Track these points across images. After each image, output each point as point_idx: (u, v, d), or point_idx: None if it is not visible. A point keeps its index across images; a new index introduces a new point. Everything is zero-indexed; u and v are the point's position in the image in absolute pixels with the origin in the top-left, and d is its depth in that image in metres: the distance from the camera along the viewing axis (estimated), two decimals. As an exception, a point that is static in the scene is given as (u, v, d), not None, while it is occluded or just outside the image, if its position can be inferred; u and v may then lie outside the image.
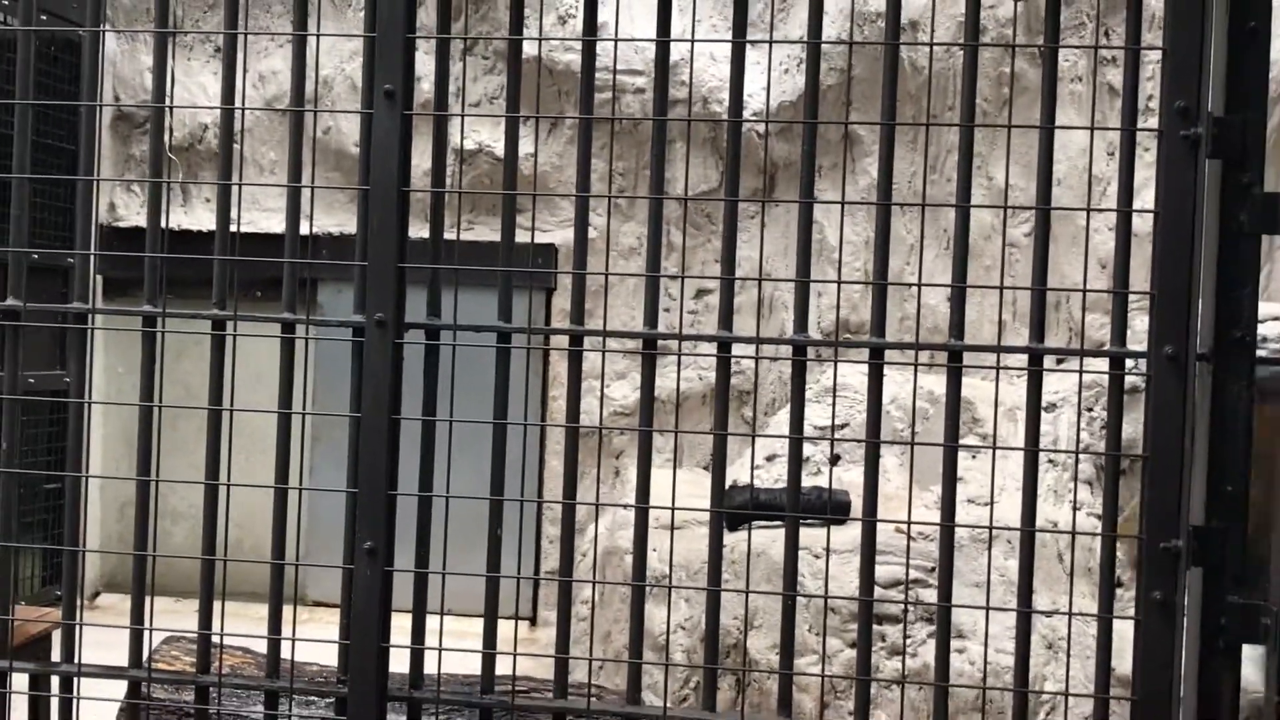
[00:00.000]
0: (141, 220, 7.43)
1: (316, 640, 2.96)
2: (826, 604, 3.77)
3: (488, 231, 6.43)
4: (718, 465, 2.85)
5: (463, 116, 2.82)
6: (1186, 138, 2.54)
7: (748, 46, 2.81)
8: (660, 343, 2.79)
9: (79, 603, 3.04)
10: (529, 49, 7.05)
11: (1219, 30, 2.52)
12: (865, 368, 2.86)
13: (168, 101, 2.94)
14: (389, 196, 2.73)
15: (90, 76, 2.97)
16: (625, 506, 5.20)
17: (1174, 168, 2.55)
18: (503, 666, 3.22)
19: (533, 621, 7.53)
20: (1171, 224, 2.56)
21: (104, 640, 3.01)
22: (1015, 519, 2.85)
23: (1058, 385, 5.88)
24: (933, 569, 5.46)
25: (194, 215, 7.25)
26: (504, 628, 2.90)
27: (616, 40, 2.91)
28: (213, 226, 3.02)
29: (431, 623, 2.86)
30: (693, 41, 2.76)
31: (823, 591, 5.22)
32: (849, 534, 4.65)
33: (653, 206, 2.80)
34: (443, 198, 2.87)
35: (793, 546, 2.91)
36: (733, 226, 2.80)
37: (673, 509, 2.68)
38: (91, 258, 3.16)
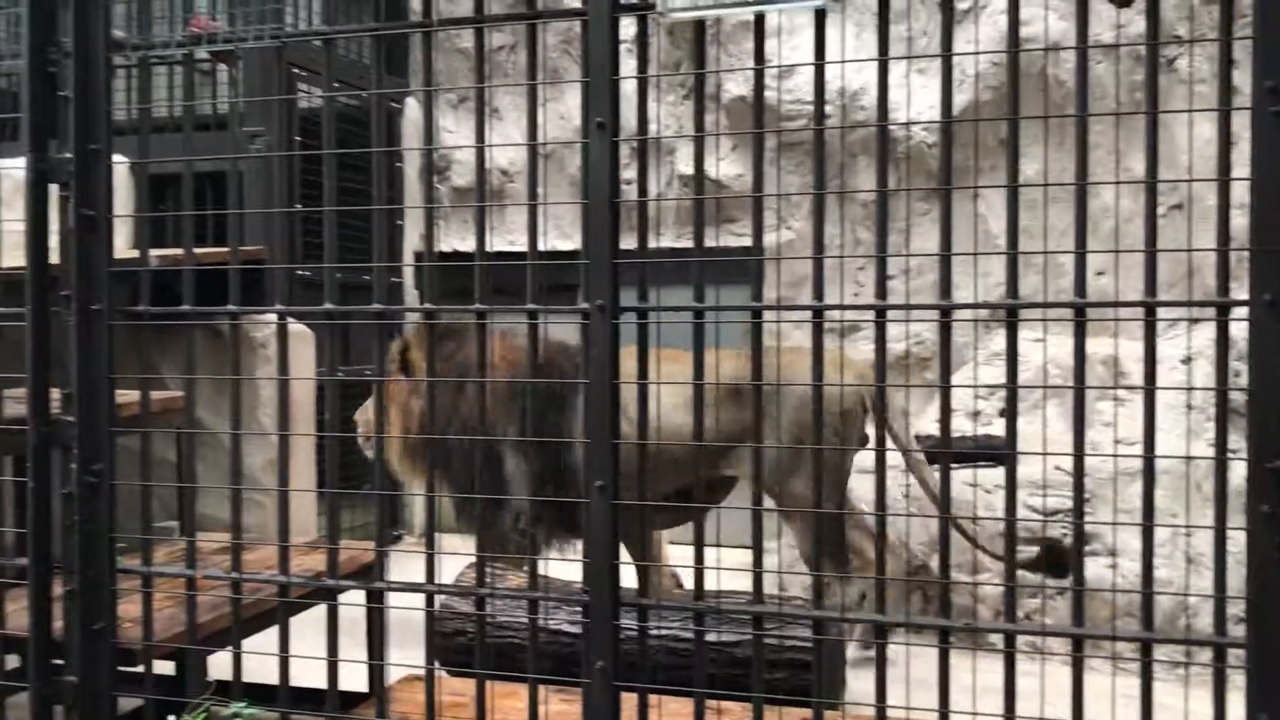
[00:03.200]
0: (446, 246, 7.72)
1: (569, 560, 3.03)
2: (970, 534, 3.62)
3: (708, 240, 6.43)
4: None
5: (659, 139, 2.82)
6: (1275, 113, 2.36)
7: (916, 74, 2.73)
8: (845, 316, 2.75)
9: (387, 536, 3.17)
10: (739, 89, 7.02)
11: (1301, 17, 2.33)
12: (1024, 333, 2.74)
13: (433, 145, 3.04)
14: (602, 207, 2.76)
15: (426, 136, 3.09)
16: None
17: (1265, 139, 2.38)
18: (729, 584, 3.21)
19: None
20: (1265, 187, 2.38)
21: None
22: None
23: (1197, 341, 5.56)
24: (1088, 499, 5.22)
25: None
26: (725, 554, 2.90)
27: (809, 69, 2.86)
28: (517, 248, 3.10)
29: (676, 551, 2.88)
30: (855, 62, 2.70)
31: (993, 521, 5.07)
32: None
33: (816, 203, 2.75)
34: (650, 209, 2.89)
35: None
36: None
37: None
38: (425, 272, 3.28)
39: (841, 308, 2.80)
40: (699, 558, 2.85)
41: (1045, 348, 4.65)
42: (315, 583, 3.13)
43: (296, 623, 3.19)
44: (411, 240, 7.79)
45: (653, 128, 3.03)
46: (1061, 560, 5.18)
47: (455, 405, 4.59)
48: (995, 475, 5.45)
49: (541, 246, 2.96)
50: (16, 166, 3.44)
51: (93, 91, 3.04)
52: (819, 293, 2.76)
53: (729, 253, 6.43)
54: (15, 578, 3.26)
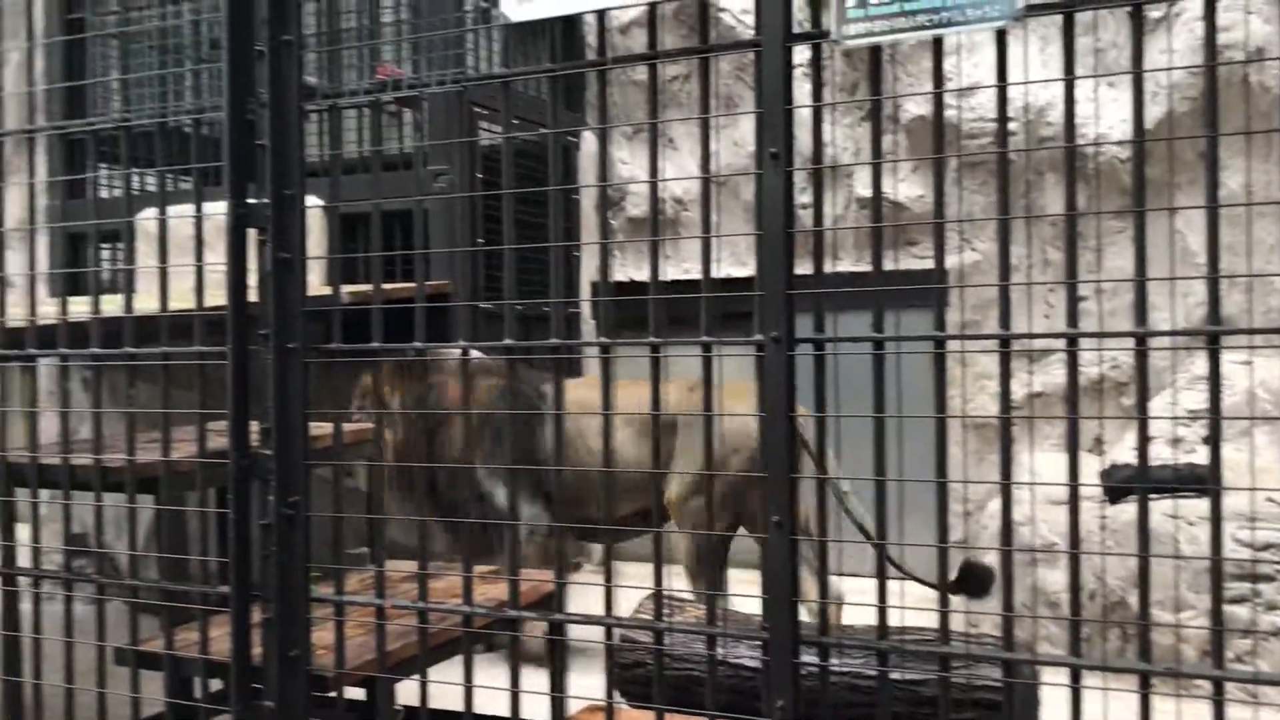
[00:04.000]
0: (622, 276, 7.82)
1: (745, 595, 3.01)
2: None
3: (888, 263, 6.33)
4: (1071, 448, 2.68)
5: (835, 168, 2.80)
6: None
7: (1105, 87, 2.64)
8: (1037, 344, 2.67)
9: (564, 566, 3.22)
10: (919, 108, 6.91)
11: None
12: (1229, 356, 2.61)
13: (609, 181, 3.08)
14: (776, 239, 2.75)
15: (602, 170, 3.15)
16: (1032, 484, 4.97)
17: None
18: (911, 621, 3.15)
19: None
20: None
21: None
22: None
23: None
24: (1305, 533, 4.91)
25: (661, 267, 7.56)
26: (910, 589, 2.85)
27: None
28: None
29: (847, 584, 2.84)
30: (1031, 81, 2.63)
31: (1196, 554, 4.81)
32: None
33: (1001, 230, 2.68)
34: (825, 236, 2.87)
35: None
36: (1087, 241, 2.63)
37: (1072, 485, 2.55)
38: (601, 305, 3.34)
39: (1030, 336, 2.72)
40: (882, 594, 2.80)
41: (1252, 371, 4.42)
42: (497, 614, 3.20)
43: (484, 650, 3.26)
44: (588, 270, 7.92)
45: (829, 151, 2.99)
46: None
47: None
48: (1199, 507, 5.19)
49: (716, 274, 2.97)
50: (218, 211, 3.64)
51: (287, 140, 3.20)
52: (1005, 321, 2.68)
53: (910, 277, 6.32)
54: (218, 604, 3.44)
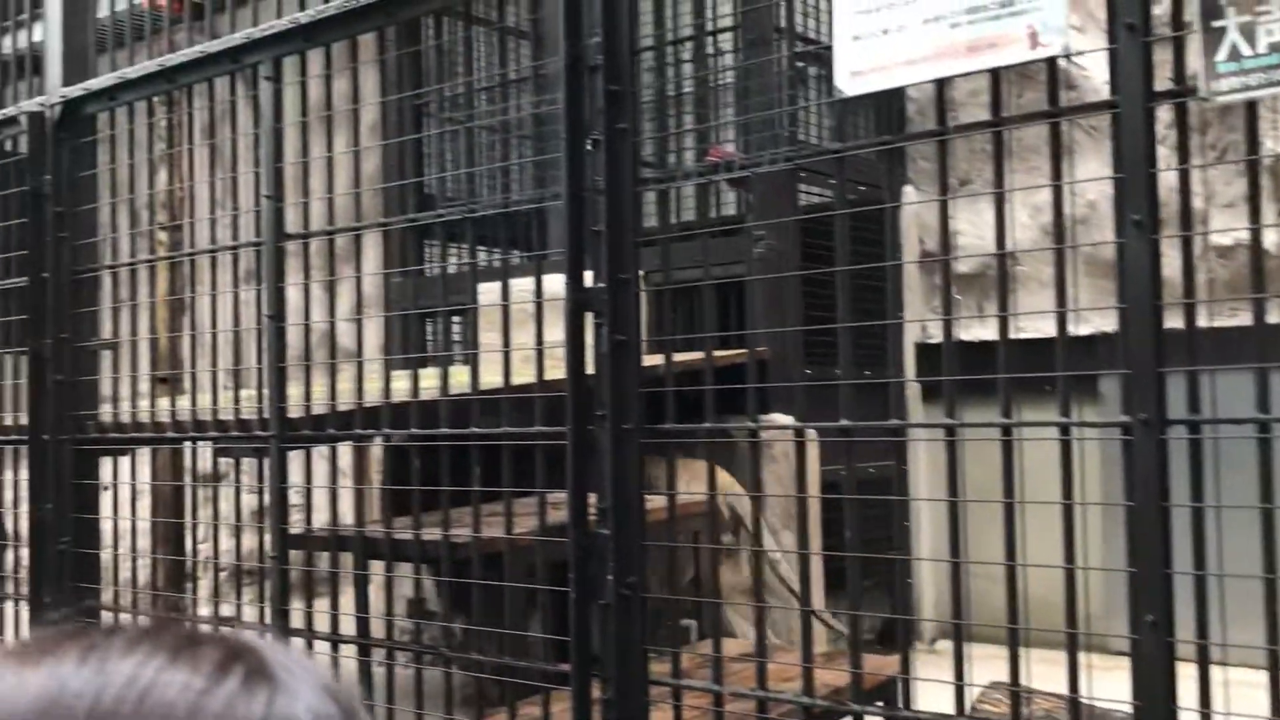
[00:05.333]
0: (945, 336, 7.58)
1: (1107, 700, 2.80)
2: None
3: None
4: None
5: (1204, 234, 2.59)
6: None
7: None
8: None
9: (908, 657, 3.11)
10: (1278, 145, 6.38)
11: None
12: None
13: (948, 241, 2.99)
14: (1143, 310, 2.57)
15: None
16: None
17: None
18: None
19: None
20: None
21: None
22: None
23: None
24: None
25: (988, 327, 7.29)
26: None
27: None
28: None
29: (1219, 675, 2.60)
30: None
31: None
32: None
33: None
34: (1195, 295, 2.66)
35: None
36: None
37: None
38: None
39: None
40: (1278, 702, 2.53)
41: None
42: (839, 705, 3.12)
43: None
44: (911, 331, 7.75)
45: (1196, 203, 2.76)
46: None
47: None
48: None
49: (1045, 333, 2.81)
50: (556, 290, 3.80)
51: (622, 224, 3.29)
52: None
53: None
54: (557, 681, 3.53)
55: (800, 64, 6.54)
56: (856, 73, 2.93)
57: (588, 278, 3.35)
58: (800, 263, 6.33)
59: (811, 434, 6.30)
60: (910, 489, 4.88)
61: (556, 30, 3.41)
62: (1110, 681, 2.76)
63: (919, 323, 7.43)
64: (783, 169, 2.99)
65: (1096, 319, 6.20)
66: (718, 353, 3.55)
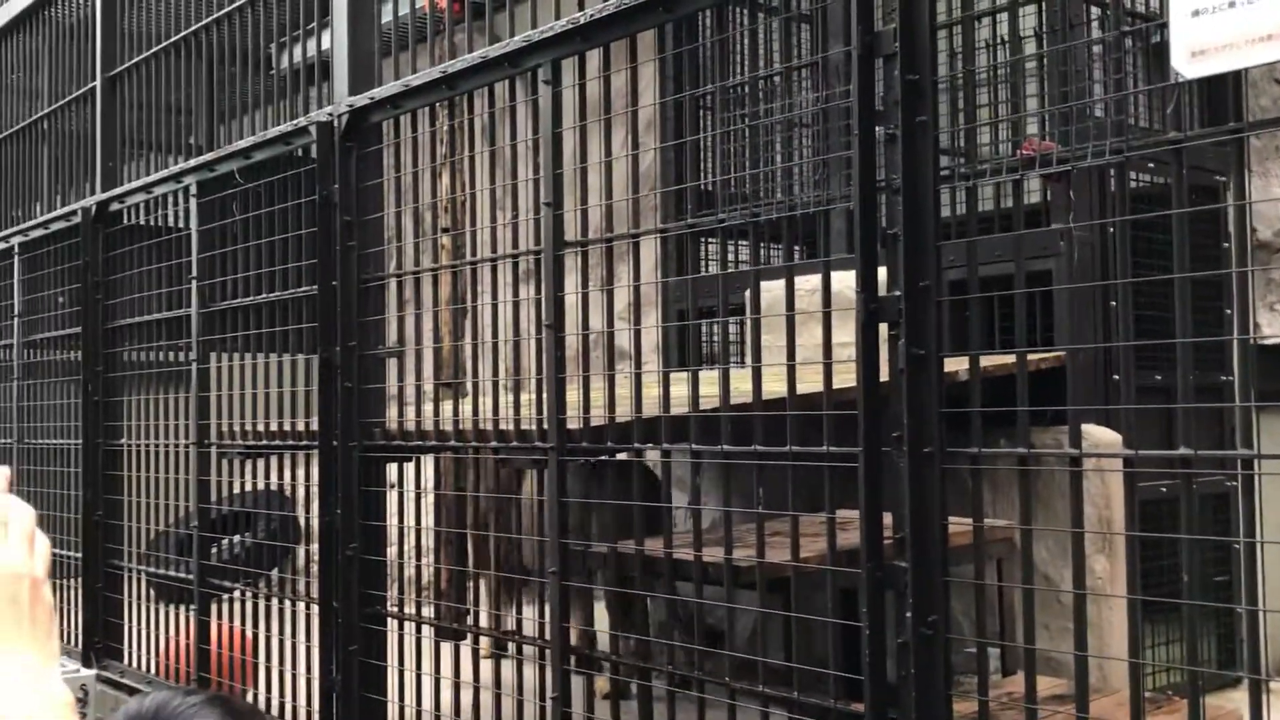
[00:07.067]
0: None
1: None
2: None
3: None
4: None
5: None
6: None
7: None
8: None
9: (1260, 699, 2.74)
10: None
11: None
12: None
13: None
14: None
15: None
16: None
17: None
18: None
19: None
20: None
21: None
22: None
23: None
24: None
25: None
26: None
27: None
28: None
29: None
30: None
31: None
32: None
33: None
34: None
35: None
36: None
37: None
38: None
39: None
40: None
41: None
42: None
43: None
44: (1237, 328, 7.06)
45: None
46: None
47: None
48: None
49: None
50: (841, 289, 3.59)
51: (921, 227, 3.04)
52: None
53: None
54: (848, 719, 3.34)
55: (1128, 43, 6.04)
56: (1198, 52, 2.59)
57: (881, 282, 3.13)
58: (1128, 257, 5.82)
59: (1115, 438, 5.84)
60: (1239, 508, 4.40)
61: (841, 16, 3.19)
62: None
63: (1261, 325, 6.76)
64: (1112, 161, 2.67)
65: None
66: (1039, 354, 3.26)
